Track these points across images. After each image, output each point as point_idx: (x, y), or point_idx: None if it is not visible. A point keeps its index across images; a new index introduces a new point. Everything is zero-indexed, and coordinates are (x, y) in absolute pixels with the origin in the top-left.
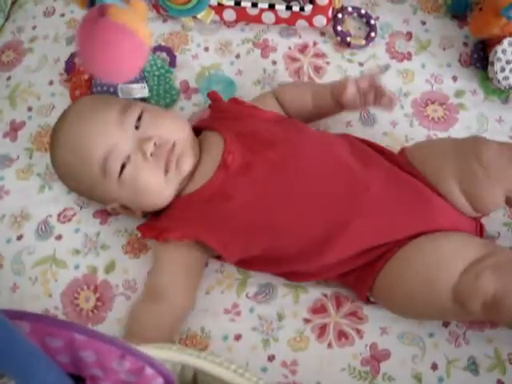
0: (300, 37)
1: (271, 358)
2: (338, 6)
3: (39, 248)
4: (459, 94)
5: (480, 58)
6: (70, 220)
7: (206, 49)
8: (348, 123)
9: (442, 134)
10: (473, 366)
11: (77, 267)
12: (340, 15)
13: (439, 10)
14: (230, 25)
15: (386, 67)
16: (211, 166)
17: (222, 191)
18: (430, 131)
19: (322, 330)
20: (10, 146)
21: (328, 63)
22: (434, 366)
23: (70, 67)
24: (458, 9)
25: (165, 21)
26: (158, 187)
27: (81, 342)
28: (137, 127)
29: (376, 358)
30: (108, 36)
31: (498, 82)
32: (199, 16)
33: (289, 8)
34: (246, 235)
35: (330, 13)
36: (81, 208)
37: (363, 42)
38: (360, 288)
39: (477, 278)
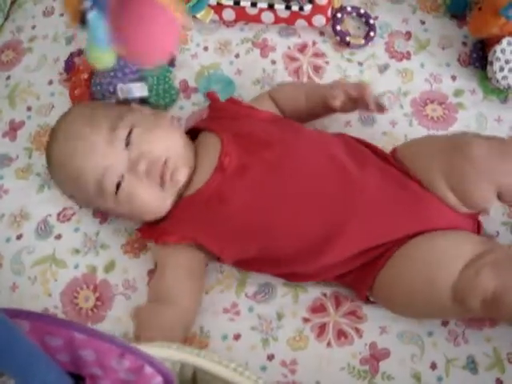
0: (299, 36)
1: (270, 358)
2: (337, 5)
3: (39, 247)
4: (458, 93)
5: (479, 57)
6: (69, 219)
7: (206, 48)
8: (347, 123)
9: (441, 134)
10: (472, 365)
11: (76, 267)
12: (339, 15)
13: (438, 9)
14: (229, 24)
15: (386, 66)
16: (208, 169)
17: (218, 194)
18: (430, 131)
19: (322, 330)
20: (9, 145)
21: (327, 63)
22: (433, 365)
23: (70, 67)
24: (457, 8)
25: None
26: (154, 202)
27: (80, 341)
28: (127, 143)
29: (375, 357)
30: (141, 12)
31: (497, 81)
32: (198, 16)
33: (288, 8)
34: (243, 236)
35: (329, 12)
36: (80, 207)
37: (362, 41)
38: (359, 288)
39: (476, 275)
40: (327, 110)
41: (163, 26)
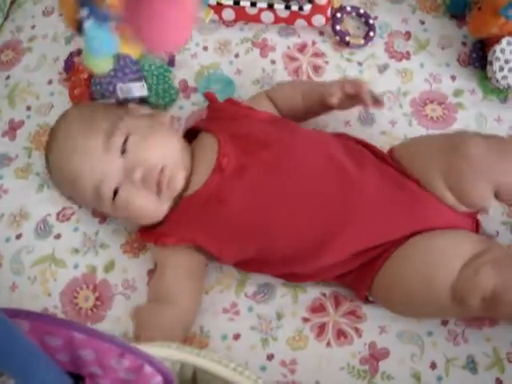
0: (299, 36)
1: (270, 357)
2: (336, 5)
3: (38, 247)
4: (458, 93)
5: (479, 57)
6: (69, 219)
7: (205, 48)
8: (347, 122)
9: (438, 133)
10: (471, 365)
11: (76, 266)
12: (339, 15)
13: (438, 9)
14: (229, 24)
15: (385, 66)
16: (206, 170)
17: (217, 194)
18: (429, 130)
19: (321, 329)
20: (8, 145)
21: (327, 63)
22: (433, 365)
23: (69, 66)
24: (456, 8)
25: None
26: (151, 208)
27: (80, 341)
28: (124, 151)
29: (375, 356)
30: (154, 4)
31: (497, 81)
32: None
33: (288, 7)
34: (241, 237)
35: (328, 12)
36: (80, 207)
37: (362, 41)
38: (359, 288)
39: (476, 274)
40: (325, 107)
41: (175, 17)
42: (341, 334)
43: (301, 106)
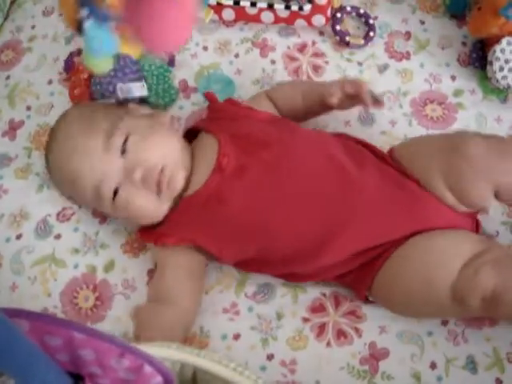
0: (299, 36)
1: (270, 357)
2: (336, 5)
3: (38, 247)
4: (458, 93)
5: (479, 57)
6: (69, 219)
7: (205, 48)
8: (347, 122)
9: (438, 133)
10: (471, 365)
11: (76, 266)
12: (339, 15)
13: (438, 9)
14: (229, 24)
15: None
16: (206, 170)
17: (217, 194)
18: (429, 130)
19: (321, 329)
20: (8, 145)
21: (327, 63)
22: (433, 365)
23: (69, 66)
24: (456, 8)
25: None
26: (151, 208)
27: (80, 341)
28: (124, 151)
29: (375, 356)
30: (154, 4)
31: (497, 81)
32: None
33: (288, 7)
34: (241, 237)
35: (328, 12)
36: (80, 207)
37: (362, 41)
38: (359, 288)
39: (476, 274)
40: (325, 107)
41: (175, 17)
42: (341, 333)
43: (301, 105)
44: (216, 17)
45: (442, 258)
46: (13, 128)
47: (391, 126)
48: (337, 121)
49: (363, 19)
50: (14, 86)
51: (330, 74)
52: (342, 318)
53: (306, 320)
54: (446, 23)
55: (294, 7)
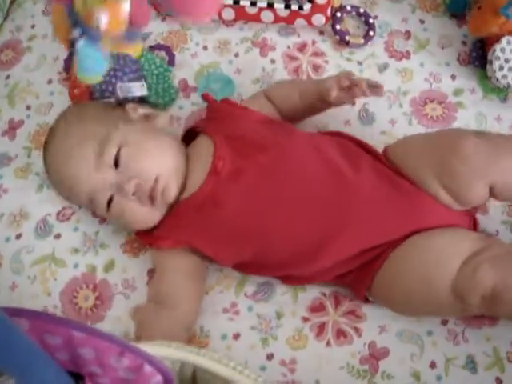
0: (299, 36)
1: (270, 357)
2: (336, 4)
3: (38, 247)
4: (458, 92)
5: (479, 56)
6: (68, 219)
7: (205, 47)
8: (347, 122)
9: (432, 131)
10: (471, 364)
11: (76, 266)
12: (339, 14)
13: (438, 8)
14: (228, 24)
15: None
16: (201, 173)
17: (213, 197)
18: (429, 130)
19: (321, 329)
20: (8, 144)
21: (327, 62)
22: (433, 364)
23: (69, 66)
24: (456, 8)
25: (164, 19)
26: (145, 217)
27: (79, 339)
28: (117, 163)
29: (375, 356)
30: None
31: (497, 80)
32: None
33: (287, 7)
34: (237, 240)
35: (328, 11)
36: (80, 207)
37: (362, 40)
38: (358, 288)
39: (475, 272)
40: (323, 104)
41: None
42: (340, 333)
43: (298, 103)
44: (216, 16)
45: (441, 257)
46: (12, 127)
47: (391, 126)
48: (337, 120)
49: (363, 18)
50: (14, 85)
51: (330, 74)
52: (342, 318)
53: (305, 319)
54: (446, 22)
55: (294, 6)
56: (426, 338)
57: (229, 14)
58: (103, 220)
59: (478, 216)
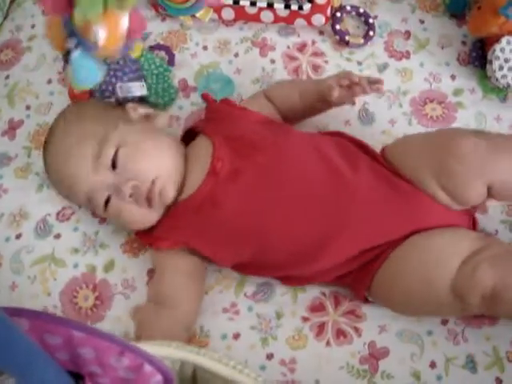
0: (299, 36)
1: (270, 357)
2: (336, 4)
3: (38, 247)
4: (458, 92)
5: (478, 56)
6: (68, 219)
7: (205, 47)
8: (347, 122)
9: (430, 130)
10: (471, 364)
11: (76, 266)
12: (338, 14)
13: (438, 8)
14: (228, 23)
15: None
16: (200, 174)
17: (211, 198)
18: (429, 129)
19: (321, 329)
20: (8, 144)
21: (327, 62)
22: (433, 364)
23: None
24: (456, 7)
25: (163, 19)
26: (142, 218)
27: (79, 339)
28: (114, 164)
29: (374, 356)
30: None
31: (497, 80)
32: (198, 15)
33: (287, 7)
34: (236, 241)
35: (328, 11)
36: (80, 207)
37: (362, 40)
38: (358, 288)
39: (474, 272)
40: (323, 104)
41: None
42: (340, 333)
43: (298, 103)
44: (215, 16)
45: (441, 257)
46: (12, 127)
47: (391, 126)
48: (337, 121)
49: (363, 18)
50: (14, 85)
51: (330, 74)
52: (342, 318)
53: (305, 319)
54: (446, 22)
55: (294, 6)
56: (425, 338)
57: (229, 13)
58: (103, 220)
59: (478, 215)
